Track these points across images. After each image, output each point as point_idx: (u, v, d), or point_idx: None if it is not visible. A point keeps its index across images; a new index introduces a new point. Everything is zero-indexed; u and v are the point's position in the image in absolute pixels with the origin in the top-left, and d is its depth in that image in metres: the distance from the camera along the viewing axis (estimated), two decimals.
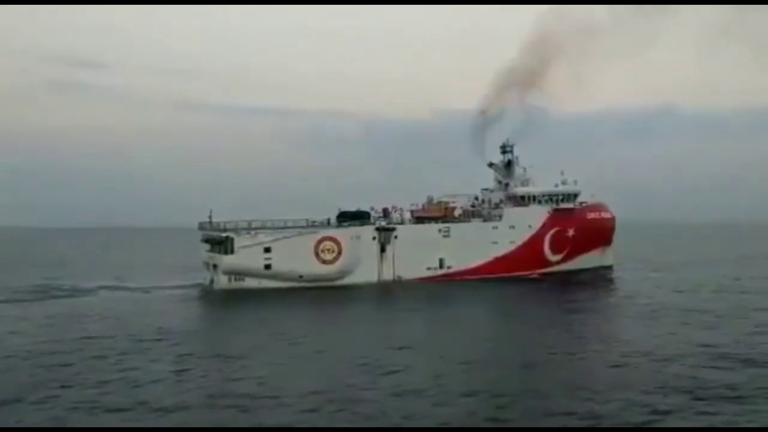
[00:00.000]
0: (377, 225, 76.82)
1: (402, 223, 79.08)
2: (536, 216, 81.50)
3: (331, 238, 73.38)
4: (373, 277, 74.02)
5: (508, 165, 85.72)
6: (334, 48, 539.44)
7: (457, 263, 76.92)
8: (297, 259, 70.95)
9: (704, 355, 36.15)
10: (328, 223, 77.25)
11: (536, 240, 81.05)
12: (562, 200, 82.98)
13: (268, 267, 70.88)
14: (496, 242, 79.09)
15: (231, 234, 71.28)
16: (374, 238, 75.09)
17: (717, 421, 25.90)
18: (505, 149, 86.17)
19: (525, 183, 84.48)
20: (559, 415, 26.87)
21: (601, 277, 79.93)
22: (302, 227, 74.73)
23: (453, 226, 78.73)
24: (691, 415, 26.56)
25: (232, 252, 70.27)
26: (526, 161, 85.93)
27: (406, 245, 75.23)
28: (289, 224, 74.78)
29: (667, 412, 26.85)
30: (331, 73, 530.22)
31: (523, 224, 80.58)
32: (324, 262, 72.64)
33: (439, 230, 78.00)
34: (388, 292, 70.58)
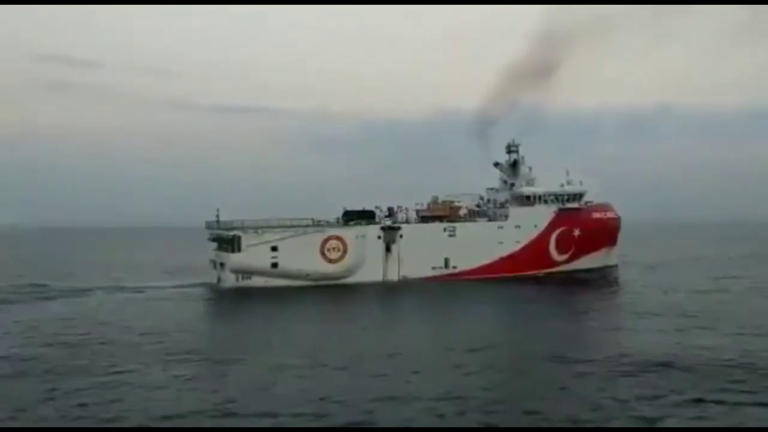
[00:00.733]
0: (382, 224, 77.35)
1: (407, 222, 79.56)
2: (542, 216, 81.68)
3: (337, 237, 73.97)
4: (378, 276, 74.50)
5: (514, 165, 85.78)
6: (334, 48, 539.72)
7: (463, 263, 77.25)
8: (304, 257, 71.58)
9: (704, 356, 36.41)
10: (337, 221, 77.84)
11: (542, 240, 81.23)
12: (568, 200, 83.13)
13: (275, 265, 71.53)
14: (501, 242, 79.32)
15: (238, 233, 71.97)
16: (379, 237, 75.54)
17: (717, 422, 26.20)
18: (510, 149, 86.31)
19: (530, 183, 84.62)
20: (559, 415, 27.26)
21: (605, 277, 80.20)
22: (308, 226, 75.34)
23: (458, 226, 79.05)
24: (691, 416, 26.82)
25: (239, 250, 71.06)
26: (531, 160, 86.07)
27: (412, 244, 75.66)
28: (295, 223, 75.36)
29: (667, 413, 27.13)
30: (331, 73, 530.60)
31: (528, 224, 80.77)
32: (330, 260, 73.30)
33: (445, 230, 78.36)
34: (393, 291, 70.89)
